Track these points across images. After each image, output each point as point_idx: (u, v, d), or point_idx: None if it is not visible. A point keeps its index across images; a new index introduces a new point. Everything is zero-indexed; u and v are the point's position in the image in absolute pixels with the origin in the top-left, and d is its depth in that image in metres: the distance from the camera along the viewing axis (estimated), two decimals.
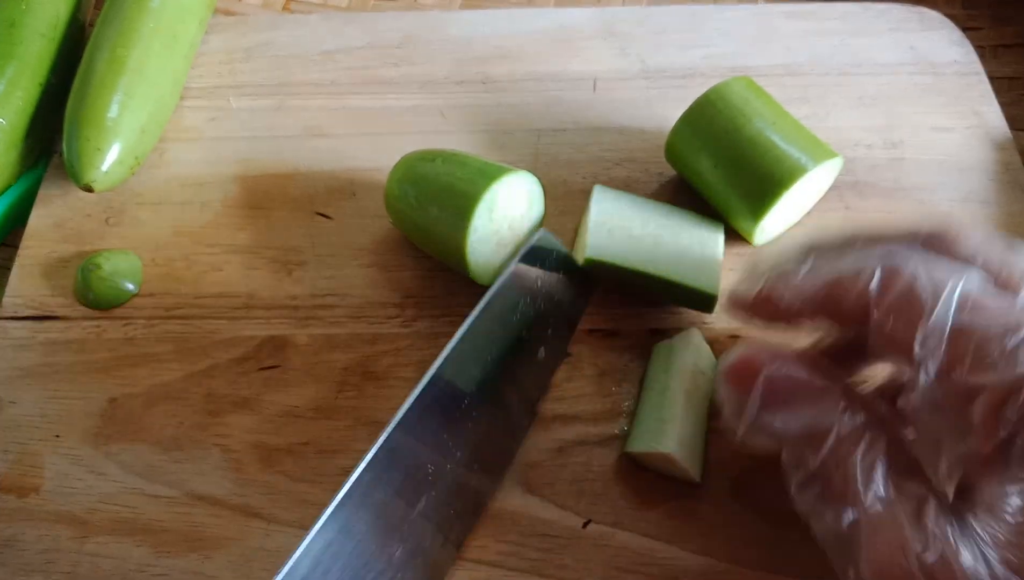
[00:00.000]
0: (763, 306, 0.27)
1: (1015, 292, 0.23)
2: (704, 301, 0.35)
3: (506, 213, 0.35)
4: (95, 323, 0.37)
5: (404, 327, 0.37)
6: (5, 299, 0.38)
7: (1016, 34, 0.49)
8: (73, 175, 0.38)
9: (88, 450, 0.34)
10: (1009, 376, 0.21)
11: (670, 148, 0.38)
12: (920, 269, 0.23)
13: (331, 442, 0.34)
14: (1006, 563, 0.21)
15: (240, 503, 0.33)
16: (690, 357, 0.33)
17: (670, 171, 0.40)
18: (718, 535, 0.32)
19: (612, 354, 0.36)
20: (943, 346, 0.22)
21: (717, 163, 0.36)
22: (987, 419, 0.21)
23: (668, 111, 0.42)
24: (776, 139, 0.35)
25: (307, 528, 0.32)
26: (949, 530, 0.22)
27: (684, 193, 0.40)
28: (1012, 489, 0.21)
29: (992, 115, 0.42)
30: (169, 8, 0.42)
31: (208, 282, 0.38)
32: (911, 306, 0.23)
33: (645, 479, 0.33)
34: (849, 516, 0.23)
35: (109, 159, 0.38)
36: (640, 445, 0.32)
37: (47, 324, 0.37)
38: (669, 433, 0.31)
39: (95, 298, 0.37)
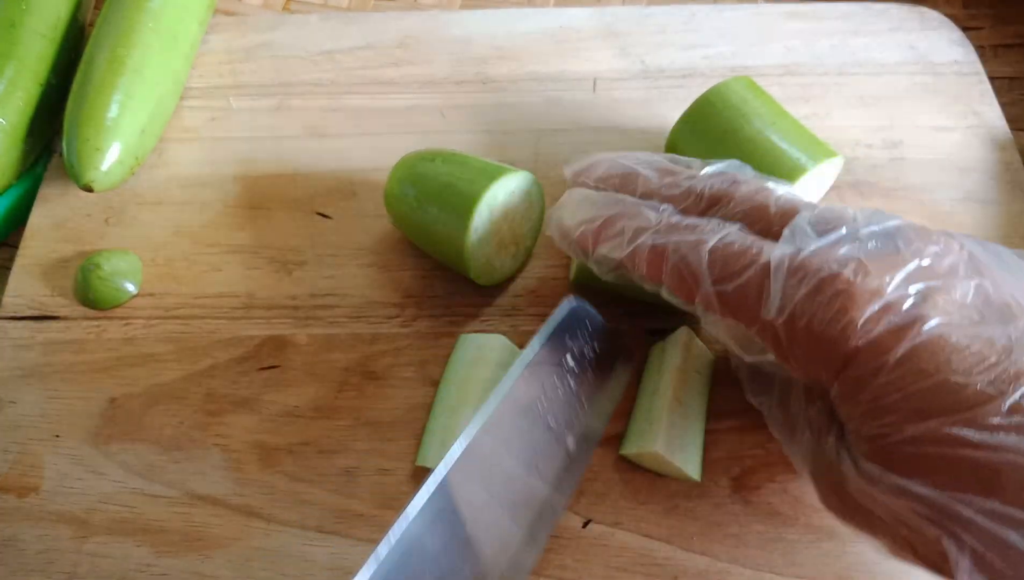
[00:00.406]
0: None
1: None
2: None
3: (506, 213, 0.35)
4: (95, 323, 0.37)
5: (404, 327, 0.37)
6: (5, 299, 0.38)
7: (1016, 34, 0.49)
8: (73, 175, 0.38)
9: (88, 450, 0.34)
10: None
11: (670, 149, 0.38)
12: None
13: (331, 442, 0.34)
14: (863, 455, 0.22)
15: (240, 503, 0.33)
16: (679, 356, 0.33)
17: None
18: (718, 535, 0.32)
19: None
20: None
21: None
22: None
23: (668, 111, 0.42)
24: (776, 139, 0.35)
25: (307, 528, 0.32)
26: (832, 440, 0.24)
27: None
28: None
29: (992, 115, 0.42)
30: (169, 8, 0.42)
31: (208, 282, 0.38)
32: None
33: (645, 479, 0.33)
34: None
35: (109, 159, 0.38)
36: (630, 447, 0.32)
37: (47, 324, 0.37)
38: (656, 432, 0.31)
39: (95, 298, 0.37)
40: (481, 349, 0.34)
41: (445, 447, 0.31)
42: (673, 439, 0.31)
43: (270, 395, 0.35)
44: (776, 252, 0.24)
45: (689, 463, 0.31)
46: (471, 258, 0.34)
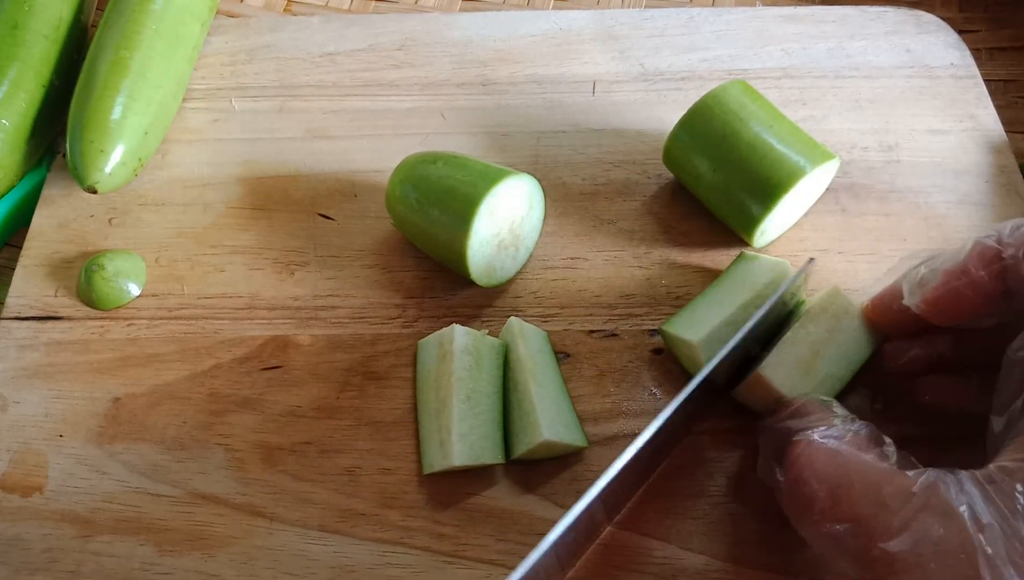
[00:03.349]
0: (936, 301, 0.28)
1: None
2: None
3: (507, 215, 0.35)
4: (98, 323, 0.38)
5: (405, 328, 0.37)
6: (9, 299, 0.38)
7: (1012, 37, 0.49)
8: (77, 177, 0.38)
9: (92, 449, 0.34)
10: None
11: (668, 154, 0.38)
12: None
13: (333, 441, 0.34)
14: None
15: (243, 502, 0.33)
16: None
17: (668, 173, 0.40)
18: (716, 534, 0.32)
19: (612, 354, 0.36)
20: None
21: (716, 167, 0.36)
22: None
23: (666, 113, 0.43)
24: (773, 141, 0.35)
25: (309, 527, 0.32)
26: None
27: (682, 195, 0.40)
28: None
29: (988, 118, 0.42)
30: (172, 10, 0.42)
31: (211, 283, 0.39)
32: None
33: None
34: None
35: (112, 161, 0.38)
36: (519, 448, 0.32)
37: (51, 324, 0.38)
38: (536, 422, 0.32)
39: (98, 298, 0.38)
40: (442, 344, 0.34)
41: (444, 448, 0.31)
42: (555, 420, 0.32)
43: (273, 395, 0.35)
44: None
45: (575, 433, 0.33)
46: (472, 260, 0.34)
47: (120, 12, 0.41)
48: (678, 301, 0.37)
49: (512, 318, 0.35)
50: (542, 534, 0.32)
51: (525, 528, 0.32)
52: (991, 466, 0.23)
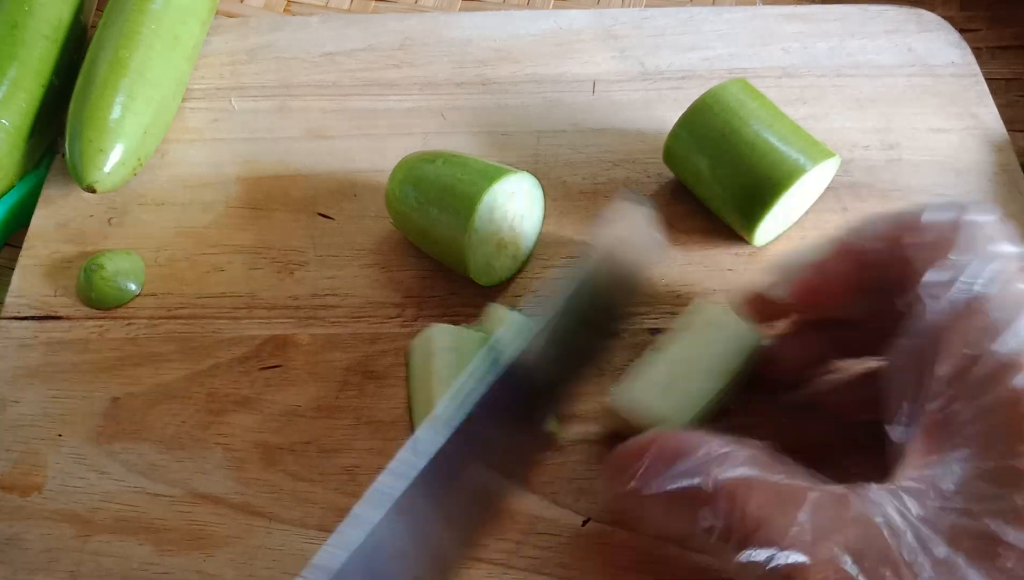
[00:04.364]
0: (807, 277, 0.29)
1: None
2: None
3: (506, 214, 0.35)
4: (98, 323, 0.38)
5: (404, 327, 0.37)
6: (8, 299, 0.38)
7: (1014, 35, 0.49)
8: (76, 176, 0.38)
9: (90, 449, 0.34)
10: (990, 353, 0.23)
11: (668, 153, 0.38)
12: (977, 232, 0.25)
13: (332, 441, 0.34)
14: (950, 540, 0.21)
15: (242, 502, 0.33)
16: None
17: (669, 172, 0.40)
18: None
19: (612, 354, 0.36)
20: (958, 295, 0.24)
21: (715, 166, 0.36)
22: (945, 380, 0.23)
23: (667, 113, 0.42)
24: (774, 140, 0.35)
25: (308, 527, 0.32)
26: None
27: (682, 194, 0.40)
28: (952, 456, 0.22)
29: (989, 116, 0.42)
30: (171, 10, 0.42)
31: (210, 282, 0.39)
32: (949, 244, 0.25)
33: None
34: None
35: (112, 160, 0.38)
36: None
37: (50, 324, 0.38)
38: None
39: (98, 298, 0.38)
40: (429, 343, 0.34)
41: None
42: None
43: (272, 394, 0.35)
44: None
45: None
46: (471, 259, 0.34)
47: (119, 12, 0.41)
48: (678, 300, 0.37)
49: (492, 304, 0.35)
50: (541, 534, 0.32)
51: (525, 527, 0.32)
52: (897, 478, 0.23)
